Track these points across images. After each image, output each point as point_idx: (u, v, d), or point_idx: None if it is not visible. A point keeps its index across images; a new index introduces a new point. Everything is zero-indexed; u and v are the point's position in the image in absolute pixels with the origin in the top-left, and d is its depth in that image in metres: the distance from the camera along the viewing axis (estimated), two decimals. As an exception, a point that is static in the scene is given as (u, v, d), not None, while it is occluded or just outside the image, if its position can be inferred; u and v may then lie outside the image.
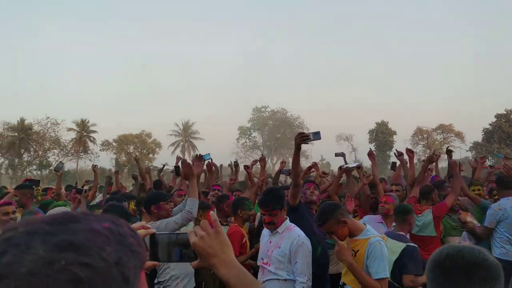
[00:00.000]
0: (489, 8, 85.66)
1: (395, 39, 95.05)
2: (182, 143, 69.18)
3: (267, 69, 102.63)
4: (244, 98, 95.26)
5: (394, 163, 7.93)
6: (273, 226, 3.62)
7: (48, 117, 53.54)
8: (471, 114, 76.72)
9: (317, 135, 3.76)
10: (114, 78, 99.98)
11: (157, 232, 1.28)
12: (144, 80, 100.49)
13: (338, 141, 62.60)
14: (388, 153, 55.33)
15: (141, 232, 1.26)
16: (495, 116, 50.12)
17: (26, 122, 53.37)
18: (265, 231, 3.80)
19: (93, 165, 7.95)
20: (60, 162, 7.93)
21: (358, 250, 3.18)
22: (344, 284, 3.36)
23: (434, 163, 7.11)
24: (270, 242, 3.65)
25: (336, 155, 7.36)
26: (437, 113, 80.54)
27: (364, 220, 4.70)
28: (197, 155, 4.50)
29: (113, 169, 55.04)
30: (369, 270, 3.05)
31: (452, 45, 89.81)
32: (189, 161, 4.00)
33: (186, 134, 69.26)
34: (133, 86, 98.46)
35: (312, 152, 63.07)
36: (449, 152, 6.72)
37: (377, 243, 3.10)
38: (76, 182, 11.29)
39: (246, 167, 7.11)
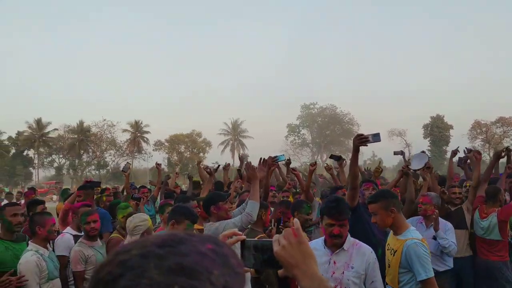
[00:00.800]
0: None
1: (443, 30, 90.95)
2: (231, 141, 70.00)
3: (314, 65, 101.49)
4: (292, 95, 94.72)
5: (461, 159, 7.52)
6: (341, 240, 3.14)
7: (104, 119, 56.13)
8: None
9: (376, 137, 3.70)
10: (164, 79, 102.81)
11: (247, 238, 1.28)
12: (192, 80, 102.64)
13: (390, 137, 60.81)
14: (444, 148, 53.09)
15: (231, 240, 1.29)
16: None
17: (84, 124, 56.09)
18: (319, 247, 3.18)
19: (156, 163, 8.06)
20: (128, 162, 8.16)
21: (396, 250, 3.19)
22: (386, 284, 3.32)
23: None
24: (335, 262, 3.13)
25: (395, 153, 7.03)
26: (496, 105, 76.43)
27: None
28: (261, 159, 4.45)
29: (166, 169, 56.93)
30: (414, 273, 3.07)
31: None
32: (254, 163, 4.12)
33: (235, 133, 69.99)
34: (182, 86, 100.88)
35: (364, 149, 61.65)
36: (509, 151, 6.30)
37: (414, 245, 3.06)
38: (133, 182, 11.63)
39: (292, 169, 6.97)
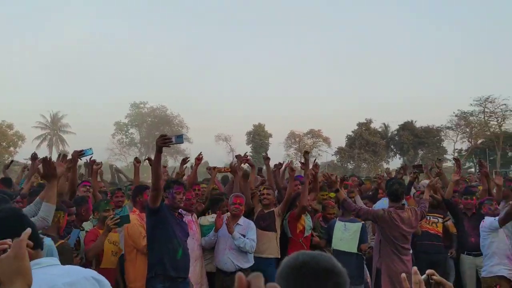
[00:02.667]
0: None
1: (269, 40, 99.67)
2: (49, 136, 63.72)
3: (145, 65, 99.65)
4: (121, 93, 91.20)
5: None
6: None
7: None
8: (337, 121, 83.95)
9: (179, 139, 3.81)
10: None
11: None
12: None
13: (217, 141, 63.58)
14: (263, 154, 57.69)
15: None
16: (357, 125, 55.65)
17: None
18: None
19: None
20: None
21: None
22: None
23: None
24: None
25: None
26: (309, 118, 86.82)
27: None
28: (60, 154, 4.12)
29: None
30: None
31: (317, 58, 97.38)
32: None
33: (54, 127, 63.94)
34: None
35: (191, 151, 62.98)
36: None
37: None
38: None
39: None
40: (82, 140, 64.07)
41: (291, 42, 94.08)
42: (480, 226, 5.32)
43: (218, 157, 55.66)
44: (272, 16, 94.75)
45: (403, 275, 1.41)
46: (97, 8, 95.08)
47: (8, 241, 1.23)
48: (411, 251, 4.97)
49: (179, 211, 4.68)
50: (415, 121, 55.35)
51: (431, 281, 1.53)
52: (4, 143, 53.95)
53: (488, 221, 5.18)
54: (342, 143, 57.07)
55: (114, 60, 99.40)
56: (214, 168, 6.55)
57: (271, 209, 5.50)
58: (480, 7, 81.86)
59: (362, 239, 5.43)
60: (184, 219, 4.74)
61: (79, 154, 4.45)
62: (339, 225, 5.54)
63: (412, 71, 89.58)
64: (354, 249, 5.38)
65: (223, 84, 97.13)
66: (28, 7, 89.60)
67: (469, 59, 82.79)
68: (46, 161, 3.28)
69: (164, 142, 3.72)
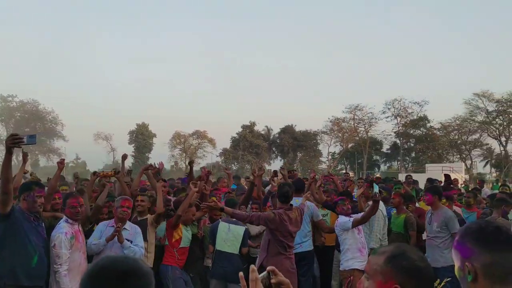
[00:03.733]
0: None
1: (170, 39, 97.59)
2: None
3: (12, 52, 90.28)
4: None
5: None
6: None
7: None
8: (222, 122, 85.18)
9: (32, 139, 3.62)
10: None
11: None
12: None
13: (96, 140, 60.17)
14: (147, 155, 56.32)
15: None
16: (241, 127, 57.30)
17: None
18: None
19: None
20: None
21: None
22: None
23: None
24: None
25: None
26: (194, 119, 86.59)
27: None
28: None
29: None
30: None
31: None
32: None
33: None
34: None
35: (67, 150, 58.58)
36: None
37: None
38: None
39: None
40: None
41: (171, 34, 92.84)
42: (335, 225, 5.81)
43: (97, 157, 52.73)
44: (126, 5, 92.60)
45: (241, 273, 1.50)
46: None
47: None
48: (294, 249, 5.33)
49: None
50: (295, 125, 58.89)
51: (271, 277, 1.58)
52: None
53: (342, 221, 5.65)
54: (227, 144, 58.29)
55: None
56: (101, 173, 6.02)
57: (145, 217, 5.40)
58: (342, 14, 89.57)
59: (244, 242, 5.67)
60: (63, 230, 4.40)
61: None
62: (223, 227, 5.69)
63: (292, 76, 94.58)
64: (236, 251, 5.60)
65: (104, 80, 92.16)
66: None
67: (339, 67, 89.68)
68: None
69: (13, 142, 3.44)
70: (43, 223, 4.43)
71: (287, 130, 57.89)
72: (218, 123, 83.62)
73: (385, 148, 58.80)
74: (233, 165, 56.28)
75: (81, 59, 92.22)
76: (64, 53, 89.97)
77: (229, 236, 5.62)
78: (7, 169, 3.65)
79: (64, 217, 4.55)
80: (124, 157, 7.12)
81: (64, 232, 4.36)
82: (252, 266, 1.49)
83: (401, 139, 55.22)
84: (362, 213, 5.67)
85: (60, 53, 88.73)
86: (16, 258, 3.94)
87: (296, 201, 5.59)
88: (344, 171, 42.58)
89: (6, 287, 3.87)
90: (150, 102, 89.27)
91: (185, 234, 5.49)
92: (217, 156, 59.44)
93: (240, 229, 5.66)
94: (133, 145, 56.34)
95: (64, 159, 5.99)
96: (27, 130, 58.40)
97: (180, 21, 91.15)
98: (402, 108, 53.04)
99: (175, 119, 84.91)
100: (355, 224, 5.54)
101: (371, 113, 54.42)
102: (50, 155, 59.46)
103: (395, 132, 55.17)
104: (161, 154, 58.17)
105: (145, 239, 5.06)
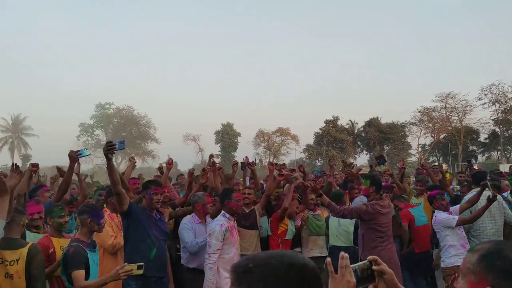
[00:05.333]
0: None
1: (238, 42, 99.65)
2: (11, 139, 61.61)
3: (109, 64, 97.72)
4: (86, 94, 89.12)
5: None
6: None
7: None
8: (306, 119, 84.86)
9: (121, 144, 3.96)
10: None
11: None
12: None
13: (185, 141, 63.04)
14: (232, 153, 57.84)
15: None
16: (324, 122, 56.47)
17: None
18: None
19: None
20: None
21: None
22: None
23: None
24: None
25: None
26: (277, 116, 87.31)
27: None
28: (14, 164, 3.84)
29: None
30: None
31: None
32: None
33: (15, 129, 61.86)
34: None
35: (160, 152, 62.22)
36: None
37: None
38: None
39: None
40: (45, 143, 62.34)
41: (260, 37, 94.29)
42: (433, 221, 5.45)
43: (187, 157, 55.36)
44: (243, 8, 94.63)
45: (328, 259, 1.44)
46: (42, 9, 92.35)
47: None
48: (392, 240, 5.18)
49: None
50: (380, 118, 56.71)
51: (373, 267, 1.53)
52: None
53: (442, 218, 5.30)
54: (310, 140, 57.82)
55: (78, 61, 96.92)
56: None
57: (252, 208, 5.56)
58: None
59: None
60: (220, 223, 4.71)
61: (76, 154, 4.48)
62: (333, 222, 5.85)
63: (375, 67, 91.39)
64: (351, 243, 5.80)
65: (191, 83, 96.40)
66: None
67: (430, 55, 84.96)
68: None
69: (108, 149, 3.89)
70: (165, 218, 4.78)
71: (372, 123, 55.93)
72: (300, 119, 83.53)
73: (483, 137, 54.41)
74: (317, 161, 55.69)
75: (167, 63, 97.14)
76: (152, 59, 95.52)
77: (340, 231, 5.84)
78: (111, 173, 4.05)
79: (223, 211, 4.87)
80: (211, 156, 7.38)
81: (219, 224, 4.68)
82: (342, 253, 1.44)
83: (501, 126, 50.65)
84: (471, 214, 5.47)
85: (148, 59, 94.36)
86: (137, 250, 4.32)
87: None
88: (436, 163, 40.15)
89: (129, 276, 4.16)
90: (233, 103, 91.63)
91: (290, 227, 5.56)
92: (300, 153, 59.28)
93: (348, 222, 5.73)
94: (219, 144, 58.13)
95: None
96: (124, 135, 63.09)
97: (266, 17, 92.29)
98: (500, 93, 48.62)
99: (258, 118, 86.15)
100: (461, 223, 5.24)
101: (465, 100, 50.75)
102: (145, 157, 63.54)
103: (493, 120, 50.78)
104: (245, 153, 59.40)
105: (256, 227, 5.46)
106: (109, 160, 3.98)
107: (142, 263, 3.66)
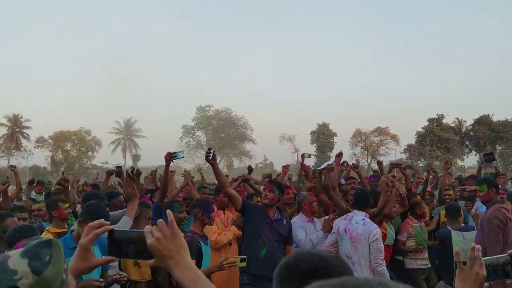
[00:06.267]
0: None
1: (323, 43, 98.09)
2: (123, 141, 67.40)
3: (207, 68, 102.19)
4: (187, 97, 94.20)
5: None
6: None
7: (-24, 111, 50.09)
8: (405, 117, 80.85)
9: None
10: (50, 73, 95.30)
11: (115, 229, 1.29)
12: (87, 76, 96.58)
13: (281, 142, 63.63)
14: (328, 154, 57.06)
15: (98, 230, 1.31)
16: (428, 120, 53.17)
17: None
18: None
19: (10, 165, 7.79)
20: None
21: None
22: None
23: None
24: None
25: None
26: (375, 116, 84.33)
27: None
28: (134, 170, 4.02)
29: (49, 167, 52.47)
30: None
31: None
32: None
33: (127, 132, 67.53)
34: (73, 81, 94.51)
35: (256, 152, 63.62)
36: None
37: None
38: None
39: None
40: (152, 144, 67.15)
41: (354, 38, 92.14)
42: None
43: (282, 158, 55.82)
44: (341, 12, 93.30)
45: (457, 249, 1.43)
46: (154, 13, 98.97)
47: (101, 221, 1.35)
48: None
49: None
50: (492, 115, 51.96)
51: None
52: (83, 148, 57.82)
53: None
54: (412, 140, 54.86)
55: (180, 65, 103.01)
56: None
57: None
58: None
59: None
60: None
61: (171, 156, 4.79)
62: (456, 236, 5.26)
63: (483, 64, 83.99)
64: None
65: (286, 84, 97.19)
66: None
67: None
68: (127, 183, 3.71)
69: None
70: (284, 220, 4.70)
71: (483, 121, 51.38)
72: (400, 118, 79.72)
73: None
74: (419, 161, 52.66)
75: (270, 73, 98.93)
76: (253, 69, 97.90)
77: (465, 246, 5.12)
78: (216, 176, 4.41)
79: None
80: (303, 156, 7.33)
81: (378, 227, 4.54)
82: (473, 244, 1.44)
83: None
84: None
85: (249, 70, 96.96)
86: (249, 247, 4.52)
87: None
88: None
89: (243, 271, 4.46)
90: (329, 103, 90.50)
91: (389, 232, 5.30)
92: (401, 153, 56.52)
93: (472, 234, 5.14)
94: (315, 145, 57.71)
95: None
96: (222, 136, 65.72)
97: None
98: None
99: (355, 117, 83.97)
100: None
101: None
102: (242, 157, 65.36)
103: None
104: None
105: None
106: (211, 165, 4.29)
107: (245, 256, 3.93)
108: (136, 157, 63.50)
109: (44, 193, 8.68)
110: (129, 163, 59.63)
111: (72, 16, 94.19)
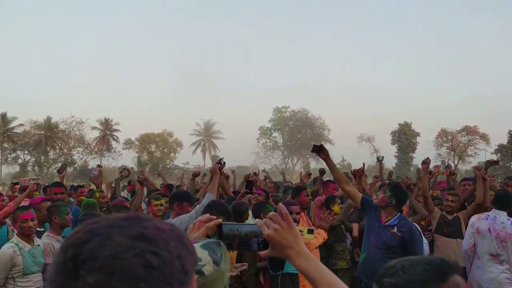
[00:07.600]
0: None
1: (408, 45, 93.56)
2: (203, 142, 69.74)
3: (286, 69, 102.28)
4: (264, 98, 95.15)
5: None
6: None
7: (73, 116, 54.65)
8: (497, 116, 74.82)
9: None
10: (140, 78, 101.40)
11: (223, 223, 1.32)
12: (169, 81, 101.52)
13: (359, 142, 61.95)
14: (411, 154, 54.48)
15: (209, 224, 1.35)
16: (522, 118, 48.87)
17: (52, 120, 54.58)
18: None
19: (97, 165, 8.14)
20: (64, 164, 8.35)
21: None
22: None
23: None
24: None
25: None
26: (462, 114, 79.08)
27: None
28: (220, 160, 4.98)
29: (135, 168, 55.88)
30: None
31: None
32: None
33: (207, 133, 69.79)
34: (155, 85, 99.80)
35: (333, 153, 62.53)
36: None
37: None
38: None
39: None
40: (231, 145, 68.77)
41: (433, 33, 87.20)
42: None
43: (361, 159, 54.23)
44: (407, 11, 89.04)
45: None
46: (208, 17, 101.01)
47: (208, 216, 1.43)
48: None
49: None
50: None
51: None
52: (165, 150, 60.79)
53: None
54: (504, 139, 50.58)
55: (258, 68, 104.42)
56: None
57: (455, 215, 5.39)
58: None
59: None
60: None
61: (217, 162, 5.07)
62: None
63: None
64: None
65: (365, 84, 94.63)
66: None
67: None
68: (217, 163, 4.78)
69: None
70: (395, 228, 4.13)
71: None
72: (491, 117, 74.03)
73: None
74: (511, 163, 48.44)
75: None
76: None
77: None
78: (333, 173, 4.68)
79: None
80: (379, 158, 7.36)
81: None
82: None
83: None
84: None
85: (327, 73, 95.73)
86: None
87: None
88: None
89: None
90: (411, 102, 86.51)
91: None
92: (491, 154, 52.34)
93: None
94: (396, 145, 55.40)
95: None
96: (299, 136, 65.53)
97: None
98: None
99: (440, 115, 79.33)
100: None
101: None
102: (318, 158, 64.57)
103: None
104: (426, 154, 55.09)
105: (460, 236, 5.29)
106: (324, 160, 4.54)
107: (313, 228, 4.24)
108: (214, 158, 65.49)
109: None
110: (208, 163, 61.53)
111: (153, 18, 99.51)
